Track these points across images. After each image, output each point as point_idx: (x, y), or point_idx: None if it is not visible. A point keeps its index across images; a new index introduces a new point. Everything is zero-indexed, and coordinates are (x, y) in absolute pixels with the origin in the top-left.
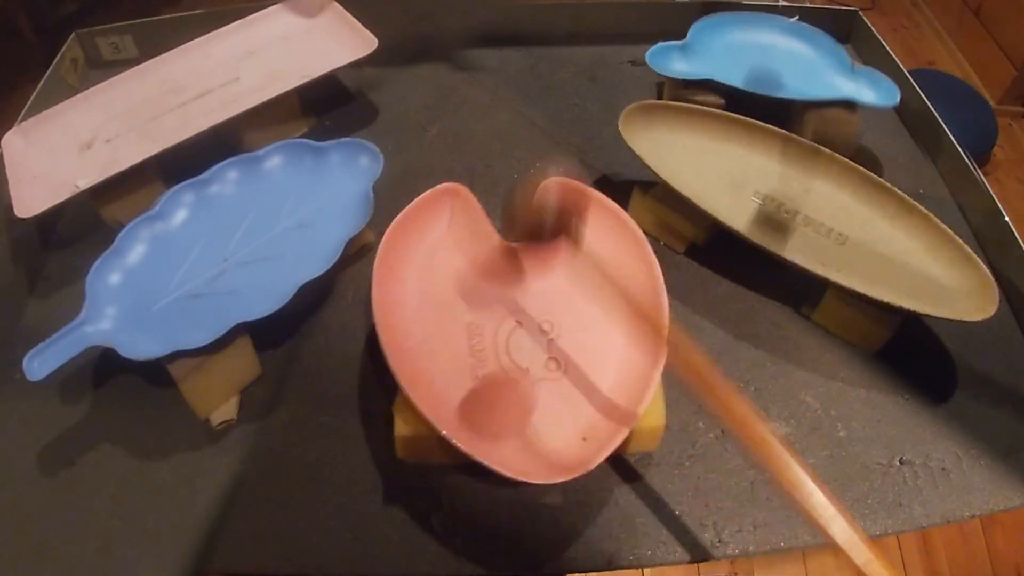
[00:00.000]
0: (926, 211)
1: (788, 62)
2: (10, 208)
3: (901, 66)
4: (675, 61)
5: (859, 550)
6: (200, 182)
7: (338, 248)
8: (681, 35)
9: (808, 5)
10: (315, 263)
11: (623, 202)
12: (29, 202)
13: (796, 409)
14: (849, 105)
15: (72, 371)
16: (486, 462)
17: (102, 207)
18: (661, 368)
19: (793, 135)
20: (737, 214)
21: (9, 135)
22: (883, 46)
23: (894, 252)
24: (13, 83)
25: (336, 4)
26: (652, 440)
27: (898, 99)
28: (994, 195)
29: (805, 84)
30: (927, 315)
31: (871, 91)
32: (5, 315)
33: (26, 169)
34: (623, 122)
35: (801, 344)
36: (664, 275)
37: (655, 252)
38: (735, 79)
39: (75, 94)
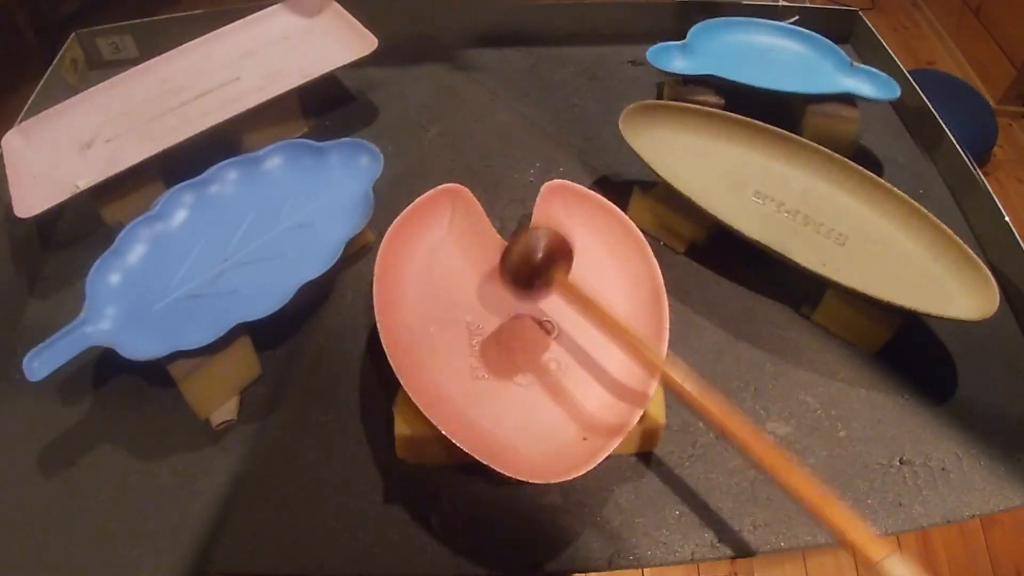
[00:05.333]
0: (926, 211)
1: (788, 61)
2: (10, 208)
3: (901, 66)
4: (675, 60)
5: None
6: (200, 182)
7: (338, 248)
8: (681, 35)
9: (807, 5)
10: (315, 263)
11: (623, 202)
12: (29, 202)
13: (796, 409)
14: (849, 101)
15: (72, 371)
16: (486, 462)
17: (102, 207)
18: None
19: (793, 135)
20: (737, 214)
21: (9, 135)
22: (883, 46)
23: (894, 252)
24: (13, 83)
25: (336, 4)
26: (652, 440)
27: (898, 93)
28: (994, 195)
29: (805, 81)
30: (927, 315)
31: (870, 86)
32: (5, 315)
33: (26, 169)
34: (623, 122)
35: (801, 344)
36: (664, 275)
37: (655, 252)
38: (735, 76)
39: (75, 94)
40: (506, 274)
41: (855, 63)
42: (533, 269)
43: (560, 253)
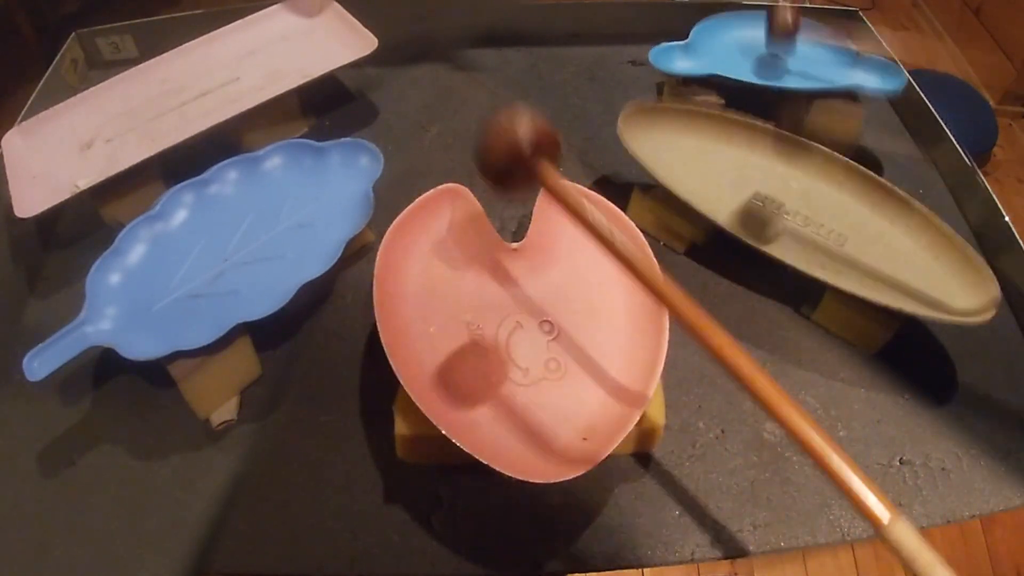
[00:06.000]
0: (926, 211)
1: (793, 54)
2: (10, 208)
3: (901, 66)
4: (678, 60)
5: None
6: (200, 182)
7: (338, 248)
8: (681, 35)
9: (808, 5)
10: (315, 263)
11: (623, 202)
12: (29, 202)
13: None
14: (852, 97)
15: (72, 371)
16: (486, 462)
17: (102, 207)
18: (661, 368)
19: (793, 136)
20: (737, 216)
21: (9, 135)
22: (883, 46)
23: (894, 252)
24: (13, 83)
25: (336, 4)
26: (652, 440)
27: (903, 84)
28: (994, 195)
29: (809, 75)
30: (927, 319)
31: (875, 78)
32: (5, 315)
33: (26, 169)
34: (622, 124)
35: (801, 344)
36: (664, 275)
37: (655, 252)
38: (738, 74)
39: (75, 94)
40: (485, 164)
41: (861, 54)
42: (516, 158)
43: (546, 139)
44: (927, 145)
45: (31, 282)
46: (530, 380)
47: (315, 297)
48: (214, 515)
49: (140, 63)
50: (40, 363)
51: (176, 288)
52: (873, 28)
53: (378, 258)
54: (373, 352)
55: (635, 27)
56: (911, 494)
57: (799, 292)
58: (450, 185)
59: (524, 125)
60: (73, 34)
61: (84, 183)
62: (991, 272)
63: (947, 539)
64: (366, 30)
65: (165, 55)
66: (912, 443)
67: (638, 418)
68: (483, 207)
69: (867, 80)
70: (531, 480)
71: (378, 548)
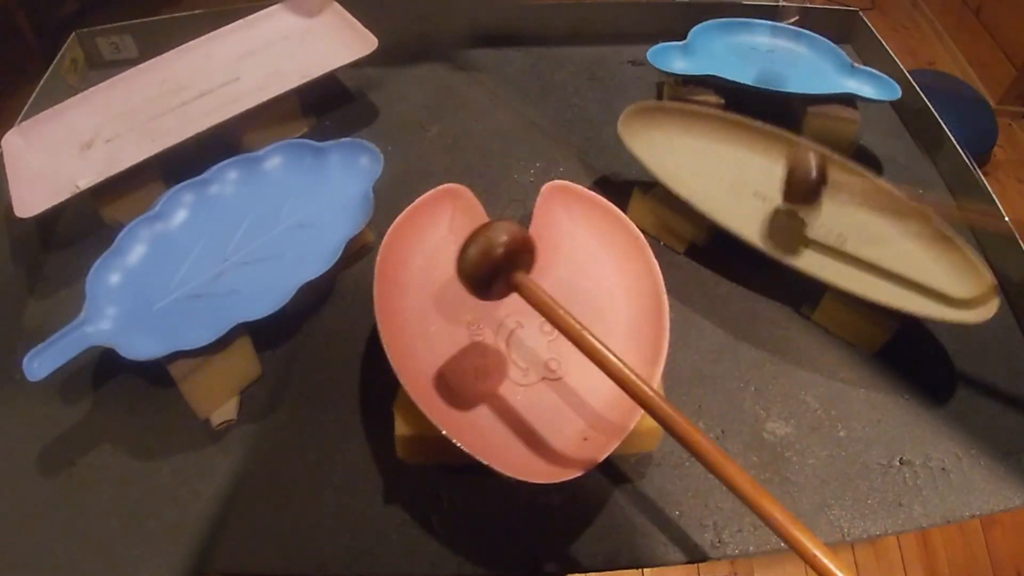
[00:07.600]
0: (926, 211)
1: (788, 62)
2: (10, 208)
3: (901, 66)
4: (676, 60)
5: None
6: (200, 182)
7: (338, 248)
8: (681, 36)
9: (808, 5)
10: (315, 263)
11: (623, 202)
12: (29, 202)
13: (796, 409)
14: (849, 102)
15: (72, 371)
16: (487, 462)
17: (102, 207)
18: (661, 368)
19: (793, 135)
20: (737, 216)
21: (9, 135)
22: (883, 46)
23: (894, 253)
24: (13, 83)
25: (336, 4)
26: (652, 440)
27: (898, 93)
28: (994, 195)
29: (805, 82)
30: (927, 319)
31: (871, 87)
32: (5, 315)
33: (26, 169)
34: (622, 124)
35: (801, 344)
36: (664, 275)
37: (655, 252)
38: (735, 77)
39: (75, 94)
40: (461, 274)
41: (856, 64)
42: (491, 269)
43: (522, 250)
44: (927, 145)
45: (31, 282)
46: (530, 380)
47: (315, 297)
48: (214, 515)
49: (140, 63)
50: (40, 363)
51: (176, 288)
52: (873, 28)
53: (378, 258)
54: (373, 352)
55: (635, 27)
56: (911, 494)
57: (799, 292)
58: (450, 185)
59: (503, 243)
60: (73, 34)
61: (84, 183)
62: (991, 272)
63: (947, 539)
64: (366, 30)
65: (165, 55)
66: (912, 443)
67: (638, 418)
68: (483, 207)
69: (863, 88)
70: (531, 480)
71: (378, 548)
